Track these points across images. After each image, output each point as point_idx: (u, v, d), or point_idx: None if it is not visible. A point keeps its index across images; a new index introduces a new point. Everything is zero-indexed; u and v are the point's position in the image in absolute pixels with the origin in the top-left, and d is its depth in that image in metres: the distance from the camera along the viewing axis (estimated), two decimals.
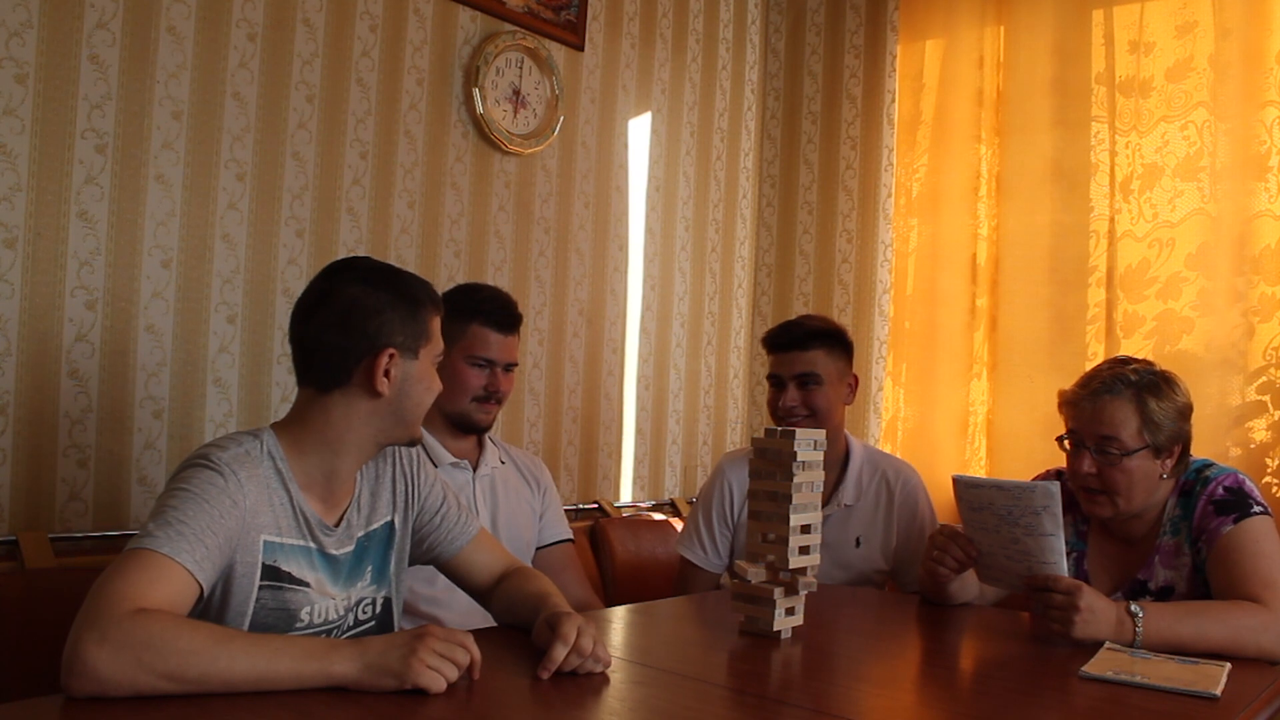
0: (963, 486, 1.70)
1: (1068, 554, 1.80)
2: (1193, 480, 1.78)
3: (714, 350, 3.42)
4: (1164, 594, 1.75)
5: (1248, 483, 1.75)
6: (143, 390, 2.03)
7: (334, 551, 1.40)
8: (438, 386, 1.46)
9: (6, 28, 1.84)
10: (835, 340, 2.24)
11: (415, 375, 1.40)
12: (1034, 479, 2.00)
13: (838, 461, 2.26)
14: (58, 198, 1.91)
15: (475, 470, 2.03)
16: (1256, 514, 1.68)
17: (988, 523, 1.68)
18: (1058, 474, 1.97)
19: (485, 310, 1.99)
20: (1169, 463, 1.77)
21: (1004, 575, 1.73)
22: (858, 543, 2.26)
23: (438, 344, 1.45)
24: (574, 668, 1.27)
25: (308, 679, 1.12)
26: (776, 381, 2.24)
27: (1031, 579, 1.60)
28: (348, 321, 1.36)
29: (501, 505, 2.05)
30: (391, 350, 1.37)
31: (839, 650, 1.62)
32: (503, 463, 2.11)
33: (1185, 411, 1.78)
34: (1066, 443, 1.84)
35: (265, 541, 1.31)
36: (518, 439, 2.76)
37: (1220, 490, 1.73)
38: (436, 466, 1.96)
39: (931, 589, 1.85)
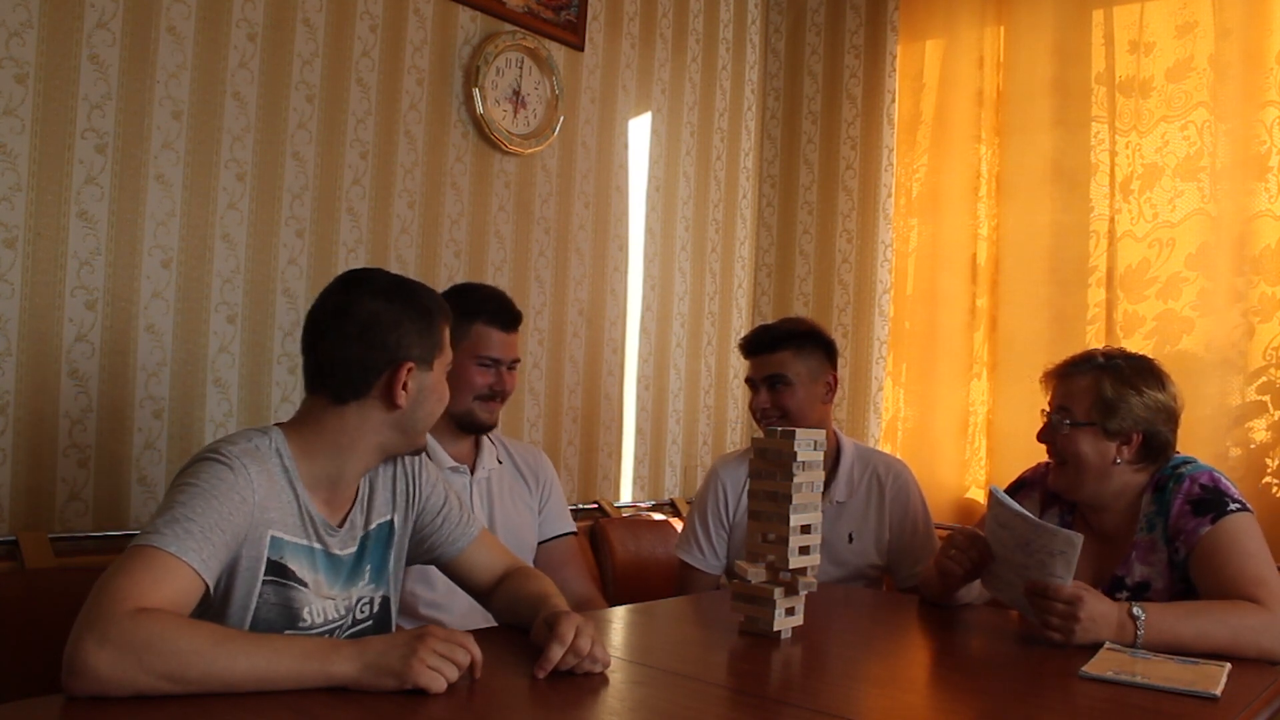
0: (995, 500, 1.70)
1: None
2: (1167, 476, 1.77)
3: (714, 350, 3.42)
4: (1140, 590, 1.75)
5: (1223, 480, 1.74)
6: (143, 390, 2.03)
7: (338, 552, 1.41)
8: (447, 397, 1.47)
9: (6, 28, 1.84)
10: (806, 340, 2.26)
11: (429, 386, 1.42)
12: (1025, 472, 2.01)
13: (828, 459, 2.27)
14: (58, 198, 1.91)
15: (472, 474, 2.03)
16: (1233, 511, 1.67)
17: (1006, 541, 1.68)
18: (1048, 466, 1.98)
19: (488, 309, 1.99)
20: (1126, 450, 1.76)
21: (1006, 589, 1.73)
22: (850, 539, 2.28)
23: (448, 354, 1.46)
24: (571, 667, 1.27)
25: (308, 679, 1.12)
26: (752, 385, 2.30)
27: (1031, 585, 1.60)
28: (368, 336, 1.37)
29: (498, 510, 2.05)
30: (410, 364, 1.38)
31: (839, 650, 1.62)
32: (500, 462, 2.11)
33: (1156, 406, 1.77)
34: (1043, 416, 1.88)
35: (273, 537, 1.31)
36: (517, 438, 2.76)
37: (1196, 489, 1.72)
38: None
39: (938, 588, 1.85)
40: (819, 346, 2.28)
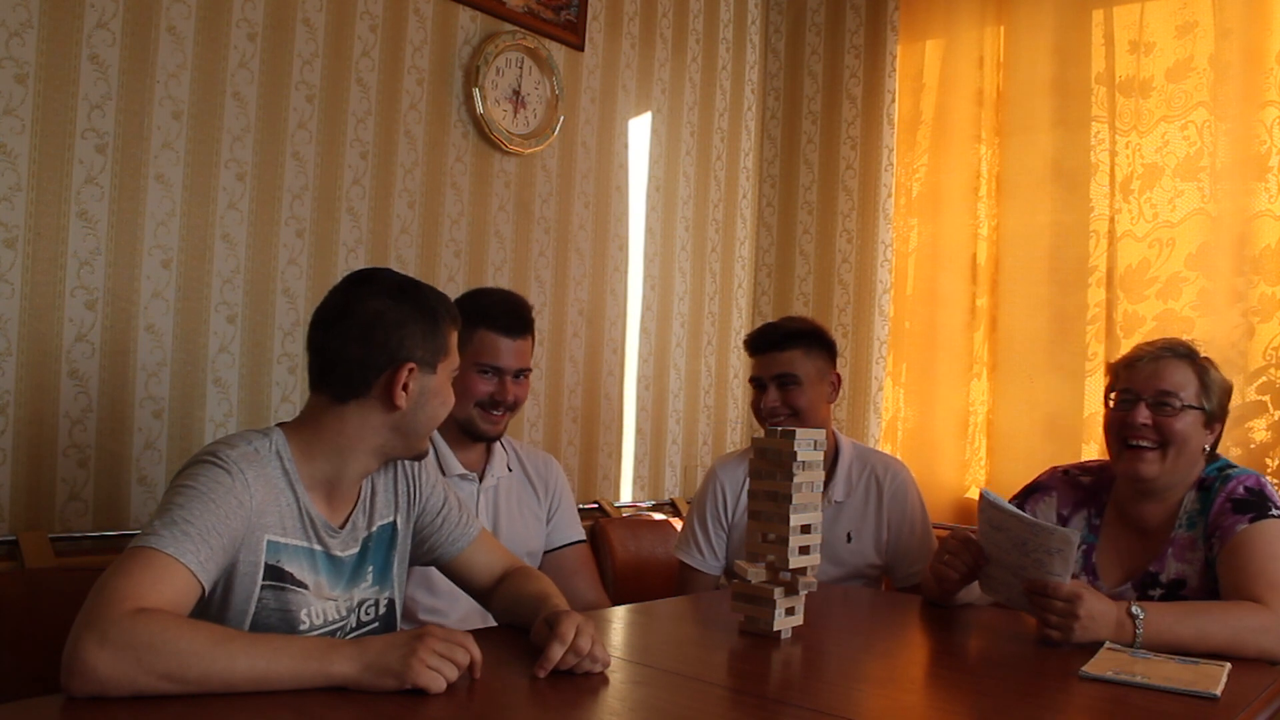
0: (986, 503, 1.70)
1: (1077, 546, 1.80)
2: (1213, 477, 1.78)
3: (714, 350, 3.42)
4: (1175, 587, 1.76)
5: (1269, 486, 1.75)
6: (143, 390, 2.03)
7: (339, 553, 1.41)
8: (452, 401, 1.46)
9: (6, 28, 1.84)
10: (813, 340, 2.27)
11: (432, 389, 1.41)
12: (1037, 478, 2.01)
13: (827, 459, 2.27)
14: (58, 198, 1.91)
15: (480, 482, 2.01)
16: (1274, 516, 1.68)
17: (1001, 543, 1.67)
18: (1065, 472, 1.97)
19: (491, 315, 1.95)
20: (1210, 439, 1.80)
21: (1004, 590, 1.73)
22: (849, 538, 2.28)
23: (454, 359, 1.45)
24: (571, 666, 1.27)
25: (307, 679, 1.12)
26: (758, 383, 2.29)
27: (1030, 584, 1.60)
28: (370, 335, 1.36)
29: (503, 519, 2.03)
30: (412, 365, 1.38)
31: (839, 650, 1.62)
32: (510, 470, 2.09)
33: (1230, 392, 1.84)
34: (1113, 399, 1.85)
35: (269, 541, 1.31)
36: (517, 439, 2.76)
37: (1241, 489, 1.73)
38: (445, 476, 1.95)
39: (936, 591, 1.85)
40: (824, 347, 2.29)
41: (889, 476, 2.32)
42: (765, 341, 2.27)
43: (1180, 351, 1.83)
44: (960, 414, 3.06)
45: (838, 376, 2.31)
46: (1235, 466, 1.81)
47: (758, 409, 2.28)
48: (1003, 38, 3.07)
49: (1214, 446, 1.83)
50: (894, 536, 2.29)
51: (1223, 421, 1.83)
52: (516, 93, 2.72)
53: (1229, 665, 1.44)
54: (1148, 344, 1.88)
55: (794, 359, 2.23)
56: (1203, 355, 1.85)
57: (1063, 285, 2.89)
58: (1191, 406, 1.78)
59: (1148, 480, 1.80)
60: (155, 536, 1.18)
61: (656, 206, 3.19)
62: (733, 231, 3.48)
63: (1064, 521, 1.90)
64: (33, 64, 1.87)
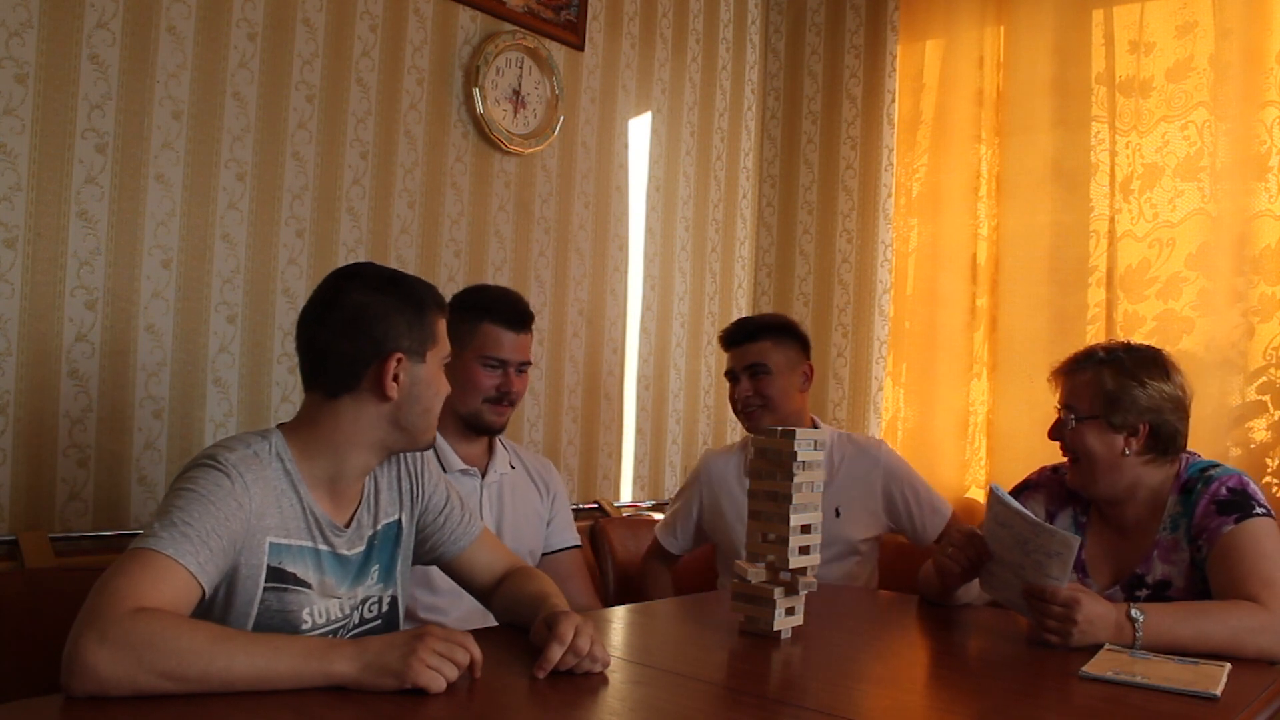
0: (995, 498, 1.71)
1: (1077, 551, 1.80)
2: (1195, 479, 1.78)
3: (714, 350, 3.42)
4: (1161, 588, 1.76)
5: (1251, 484, 1.75)
6: (143, 390, 2.03)
7: (345, 552, 1.41)
8: (446, 389, 1.46)
9: (6, 28, 1.84)
10: (783, 332, 2.34)
11: (423, 379, 1.41)
12: (1029, 475, 2.02)
13: None
14: (58, 198, 1.91)
15: (483, 477, 2.02)
16: (1259, 515, 1.68)
17: (1004, 540, 1.68)
18: (1054, 470, 1.98)
19: (495, 309, 1.98)
20: (1134, 442, 1.77)
21: (1003, 589, 1.73)
22: (838, 513, 2.32)
23: (444, 346, 1.45)
24: (571, 667, 1.27)
25: (307, 678, 1.12)
26: (732, 376, 2.36)
27: (1029, 588, 1.60)
28: (356, 328, 1.36)
29: (508, 513, 2.04)
30: (399, 354, 1.37)
31: (839, 650, 1.62)
32: (513, 467, 2.10)
33: (1160, 397, 1.77)
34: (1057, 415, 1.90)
35: (271, 543, 1.31)
36: (517, 439, 2.76)
37: (1224, 490, 1.73)
38: (446, 472, 1.95)
39: (937, 586, 1.85)
40: (795, 339, 2.36)
41: (870, 448, 2.39)
42: (739, 334, 2.35)
43: (1086, 363, 1.83)
44: (960, 414, 3.06)
45: (810, 368, 2.38)
46: (1218, 466, 1.79)
47: (733, 402, 2.36)
48: (1003, 38, 3.07)
49: (1155, 448, 1.78)
50: (897, 502, 2.34)
51: (1150, 424, 1.76)
52: (516, 93, 2.72)
53: (1229, 665, 1.44)
54: (1078, 352, 1.90)
55: (764, 349, 2.30)
56: (1122, 355, 1.80)
57: (1063, 285, 2.89)
58: (1085, 418, 1.78)
59: (1078, 489, 1.85)
60: (155, 538, 1.18)
61: (656, 206, 3.19)
62: (733, 231, 3.48)
63: (1051, 519, 1.91)
64: (33, 64, 1.87)
